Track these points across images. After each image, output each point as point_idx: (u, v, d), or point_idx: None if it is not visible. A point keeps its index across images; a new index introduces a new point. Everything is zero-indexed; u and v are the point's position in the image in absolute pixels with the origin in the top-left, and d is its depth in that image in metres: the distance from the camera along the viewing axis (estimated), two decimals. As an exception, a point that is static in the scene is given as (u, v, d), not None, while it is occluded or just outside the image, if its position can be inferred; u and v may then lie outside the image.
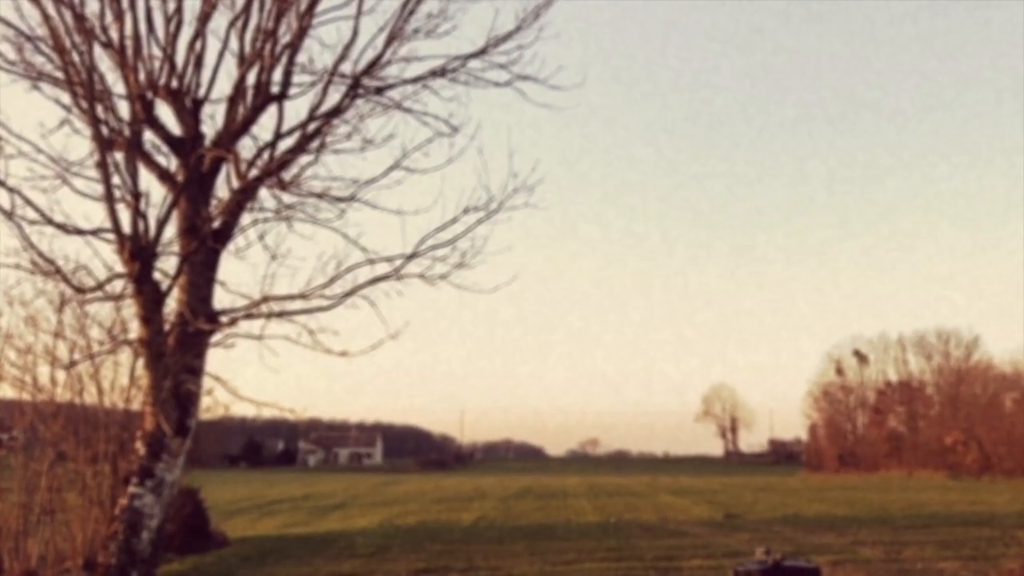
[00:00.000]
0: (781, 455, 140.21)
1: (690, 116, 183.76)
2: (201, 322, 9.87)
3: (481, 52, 10.90)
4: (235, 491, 46.72)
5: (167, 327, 9.91)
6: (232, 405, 11.04)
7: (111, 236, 9.32)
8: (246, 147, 10.92)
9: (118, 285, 9.80)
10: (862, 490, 45.97)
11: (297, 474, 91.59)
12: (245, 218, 10.86)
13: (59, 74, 9.84)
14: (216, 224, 10.38)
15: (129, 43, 9.94)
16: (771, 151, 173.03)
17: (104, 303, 11.82)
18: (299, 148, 10.76)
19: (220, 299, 10.43)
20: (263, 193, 11.08)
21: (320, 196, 10.97)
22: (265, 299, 10.03)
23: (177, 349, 9.85)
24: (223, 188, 10.75)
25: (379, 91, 11.01)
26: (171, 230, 10.09)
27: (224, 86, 10.66)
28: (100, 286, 9.68)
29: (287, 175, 10.95)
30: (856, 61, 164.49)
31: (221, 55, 10.43)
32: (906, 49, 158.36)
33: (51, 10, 9.46)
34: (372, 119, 11.08)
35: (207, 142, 10.47)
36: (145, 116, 10.15)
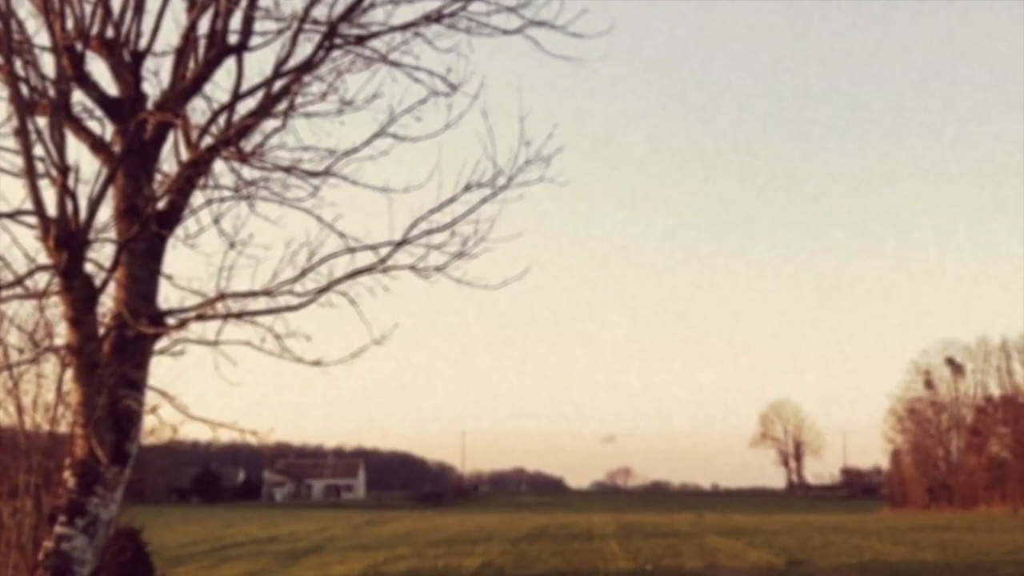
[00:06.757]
0: (857, 487, 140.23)
1: (742, 75, 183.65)
2: (143, 324, 9.89)
3: (486, -9, 10.86)
4: (185, 532, 46.96)
5: (101, 331, 9.93)
6: (181, 426, 11.04)
7: (33, 219, 9.35)
8: (198, 110, 10.91)
9: (42, 279, 9.80)
10: (957, 530, 45.88)
11: (261, 511, 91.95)
12: (197, 197, 10.86)
13: (-32, 21, 9.86)
14: (161, 204, 10.39)
15: (54, -17, 9.95)
16: (849, 131, 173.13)
17: (25, 301, 11.86)
18: (263, 111, 10.75)
19: (167, 296, 10.45)
20: (219, 167, 11.08)
21: (289, 170, 10.97)
22: (221, 296, 10.04)
23: (114, 358, 9.87)
24: (170, 160, 10.77)
25: (360, 40, 11.00)
26: (106, 212, 10.12)
27: (171, 35, 10.64)
28: (19, 281, 9.70)
29: (248, 144, 10.95)
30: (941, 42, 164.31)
31: (167, -3, 10.43)
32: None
33: (-42, -57, 9.49)
34: (352, 75, 11.06)
35: (150, 104, 10.47)
36: (74, 72, 10.16)
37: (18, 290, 9.89)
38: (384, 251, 10.38)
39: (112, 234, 10.27)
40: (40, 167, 9.29)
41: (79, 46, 10.21)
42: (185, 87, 10.61)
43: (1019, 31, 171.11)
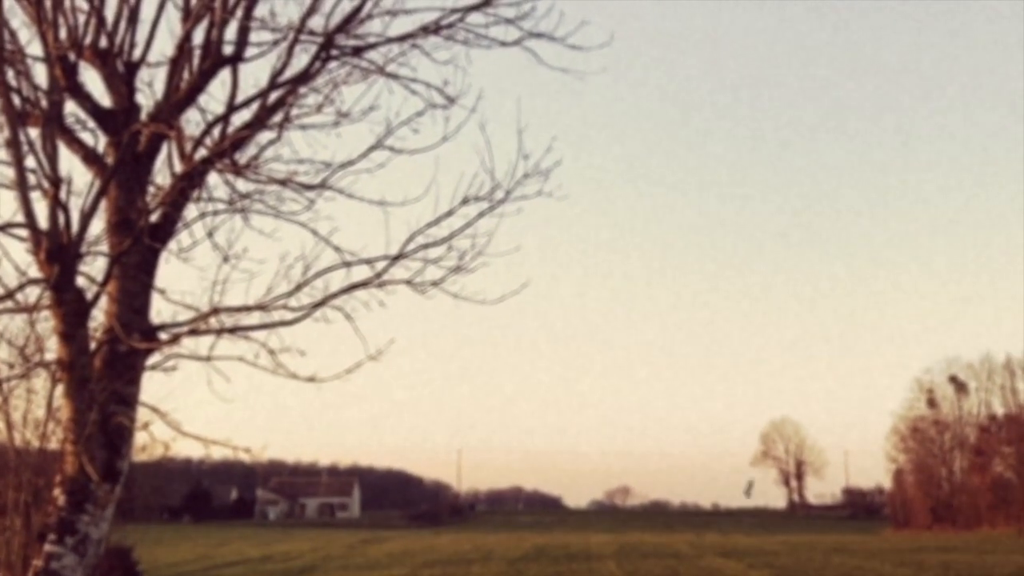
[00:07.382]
0: (859, 507, 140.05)
1: (744, 89, 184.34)
2: (135, 339, 9.85)
3: (484, 3, 10.88)
4: (177, 551, 46.82)
5: (93, 345, 9.89)
6: (173, 443, 10.99)
7: (24, 232, 9.32)
8: (192, 121, 10.90)
9: (32, 293, 9.79)
10: (960, 551, 45.78)
11: (254, 530, 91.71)
12: (190, 210, 10.84)
13: (-40, 31, 9.86)
14: (154, 217, 10.37)
15: (47, -8, 9.95)
16: (852, 147, 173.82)
17: (15, 315, 11.82)
18: (258, 123, 10.74)
19: (159, 311, 10.41)
20: (213, 179, 11.06)
21: (284, 183, 10.95)
22: (215, 311, 10.01)
23: (105, 373, 9.83)
24: (163, 173, 10.75)
25: (357, 52, 11.00)
26: (99, 225, 10.09)
27: (165, 46, 10.65)
28: (10, 294, 9.66)
29: (243, 156, 10.93)
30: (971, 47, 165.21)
31: (161, 7, 10.42)
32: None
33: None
34: (348, 87, 11.05)
35: (143, 115, 10.47)
36: (67, 83, 10.16)
37: (8, 304, 9.84)
38: (380, 265, 10.35)
39: (104, 247, 10.25)
40: (32, 179, 9.26)
41: (72, 56, 10.21)
42: (179, 98, 10.60)
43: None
